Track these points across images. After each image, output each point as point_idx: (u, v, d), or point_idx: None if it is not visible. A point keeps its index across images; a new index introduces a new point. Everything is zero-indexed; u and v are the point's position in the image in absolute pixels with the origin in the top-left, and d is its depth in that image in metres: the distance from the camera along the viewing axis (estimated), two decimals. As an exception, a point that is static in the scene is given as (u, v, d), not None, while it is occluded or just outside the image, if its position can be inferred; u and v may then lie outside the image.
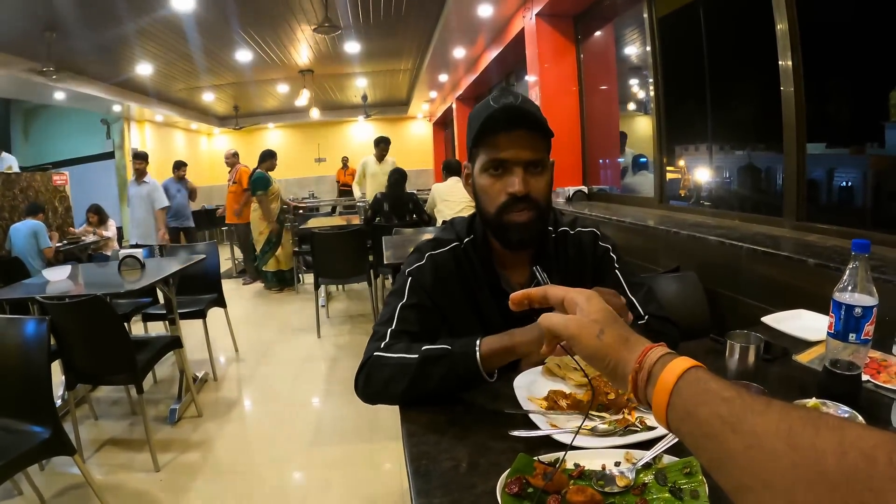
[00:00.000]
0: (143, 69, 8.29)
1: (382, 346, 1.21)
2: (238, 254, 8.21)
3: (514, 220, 1.24)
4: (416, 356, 1.13)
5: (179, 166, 7.90)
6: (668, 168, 4.08)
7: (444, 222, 5.21)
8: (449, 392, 1.14)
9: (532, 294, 0.80)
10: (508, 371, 1.21)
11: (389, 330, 1.25)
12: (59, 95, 8.61)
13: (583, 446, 0.90)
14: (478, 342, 1.11)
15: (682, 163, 4.13)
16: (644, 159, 4.89)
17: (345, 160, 14.35)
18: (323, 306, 5.89)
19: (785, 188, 2.79)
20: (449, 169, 5.85)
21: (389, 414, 3.36)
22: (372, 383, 1.18)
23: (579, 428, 0.89)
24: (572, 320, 0.72)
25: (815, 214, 2.70)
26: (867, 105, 2.67)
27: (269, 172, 6.92)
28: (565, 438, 0.93)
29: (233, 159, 7.74)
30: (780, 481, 0.43)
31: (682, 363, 0.59)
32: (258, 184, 6.74)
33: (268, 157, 6.97)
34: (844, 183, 2.86)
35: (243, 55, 8.21)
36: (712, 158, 3.77)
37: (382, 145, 7.14)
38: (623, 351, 0.66)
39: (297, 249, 6.88)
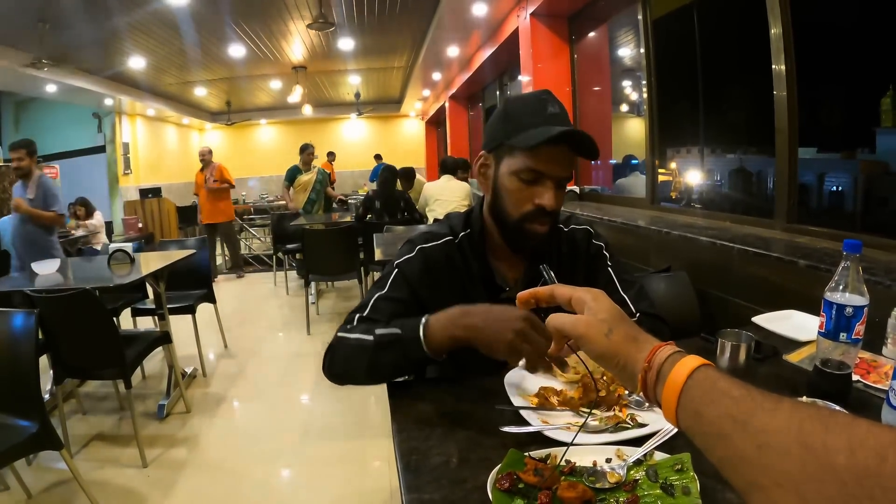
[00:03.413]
0: (136, 63, 8.24)
1: (348, 328, 1.24)
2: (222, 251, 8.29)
3: (535, 231, 1.24)
4: (371, 338, 1.15)
5: (14, 148, 4.38)
6: (661, 170, 4.10)
7: (435, 220, 5.21)
8: (407, 373, 1.19)
9: (539, 293, 0.80)
10: (499, 368, 1.21)
11: (358, 316, 1.27)
12: (51, 88, 8.53)
13: (574, 443, 0.90)
14: (421, 327, 1.09)
15: (673, 165, 4.15)
16: (636, 161, 4.90)
17: (331, 155, 13.55)
18: (313, 303, 5.87)
19: (776, 191, 2.81)
20: (445, 167, 5.80)
21: (379, 411, 3.37)
22: (335, 363, 1.22)
23: (582, 425, 0.89)
24: (581, 320, 0.72)
25: (805, 218, 2.71)
26: (859, 111, 2.69)
27: (328, 161, 7.63)
28: (556, 434, 0.93)
29: (209, 156, 7.62)
30: (791, 479, 0.43)
31: (692, 362, 0.59)
32: (286, 175, 7.26)
33: (301, 151, 7.24)
34: (835, 187, 2.88)
35: (236, 50, 8.18)
36: (704, 161, 3.78)
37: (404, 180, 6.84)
38: (632, 350, 0.66)
39: (286, 246, 6.86)
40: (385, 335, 1.13)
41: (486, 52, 7.56)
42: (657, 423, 0.95)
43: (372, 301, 1.29)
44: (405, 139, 17.02)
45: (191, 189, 14.07)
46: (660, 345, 0.65)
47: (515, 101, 1.27)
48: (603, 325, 0.69)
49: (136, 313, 4.14)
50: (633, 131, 5.53)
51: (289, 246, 6.73)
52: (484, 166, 1.31)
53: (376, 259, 3.79)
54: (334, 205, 7.96)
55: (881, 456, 0.39)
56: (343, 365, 1.20)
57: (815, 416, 0.45)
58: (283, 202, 10.18)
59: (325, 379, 1.26)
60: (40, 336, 2.45)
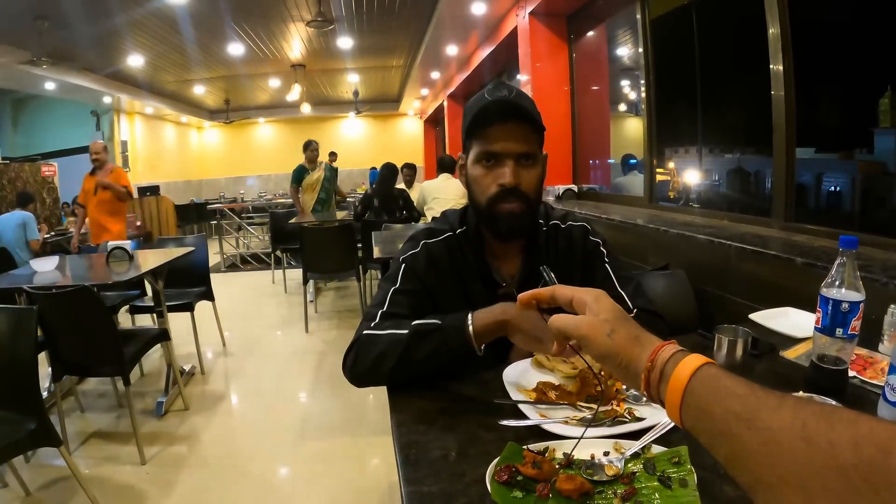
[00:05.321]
0: (135, 60, 8.24)
1: (372, 325, 1.22)
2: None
3: (504, 210, 1.25)
4: (407, 331, 1.14)
5: None
6: (658, 170, 4.10)
7: (433, 219, 5.21)
8: (438, 367, 1.15)
9: (540, 294, 0.80)
10: (499, 362, 1.22)
11: (380, 312, 1.26)
12: (50, 85, 8.52)
13: (572, 436, 0.90)
14: (469, 316, 1.11)
15: (671, 164, 4.16)
16: (634, 160, 4.91)
17: (332, 155, 12.98)
18: (311, 301, 5.87)
19: (774, 190, 2.82)
20: (442, 165, 5.80)
21: (377, 409, 3.37)
22: (360, 361, 1.19)
23: (591, 421, 0.89)
24: (583, 321, 0.71)
25: (803, 217, 2.72)
26: (857, 111, 2.70)
27: (330, 162, 7.25)
28: (554, 428, 0.94)
29: (103, 154, 5.41)
30: (797, 476, 0.43)
31: (695, 360, 0.59)
32: (292, 176, 6.98)
33: (304, 149, 6.88)
34: (833, 187, 2.89)
35: (235, 48, 8.18)
36: (702, 160, 3.79)
37: (407, 170, 6.97)
38: (634, 349, 0.66)
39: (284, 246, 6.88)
40: (424, 324, 1.14)
41: (485, 52, 7.57)
42: (654, 416, 0.95)
43: (389, 296, 1.29)
44: (404, 138, 17.03)
45: (190, 188, 14.15)
46: (662, 344, 0.65)
47: (471, 99, 1.31)
48: (605, 325, 0.69)
49: (135, 311, 4.14)
50: (632, 130, 5.54)
51: (287, 245, 6.73)
52: (462, 167, 1.36)
53: (375, 257, 3.79)
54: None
55: (886, 451, 0.39)
56: (373, 362, 1.16)
57: (819, 413, 0.45)
58: (281, 200, 10.19)
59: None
60: (39, 333, 2.45)
